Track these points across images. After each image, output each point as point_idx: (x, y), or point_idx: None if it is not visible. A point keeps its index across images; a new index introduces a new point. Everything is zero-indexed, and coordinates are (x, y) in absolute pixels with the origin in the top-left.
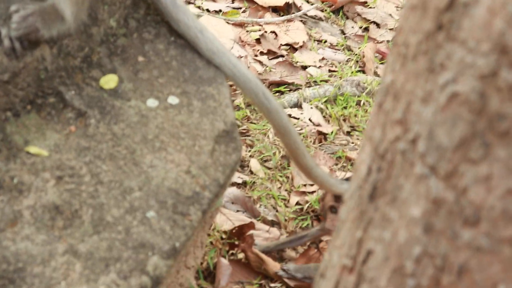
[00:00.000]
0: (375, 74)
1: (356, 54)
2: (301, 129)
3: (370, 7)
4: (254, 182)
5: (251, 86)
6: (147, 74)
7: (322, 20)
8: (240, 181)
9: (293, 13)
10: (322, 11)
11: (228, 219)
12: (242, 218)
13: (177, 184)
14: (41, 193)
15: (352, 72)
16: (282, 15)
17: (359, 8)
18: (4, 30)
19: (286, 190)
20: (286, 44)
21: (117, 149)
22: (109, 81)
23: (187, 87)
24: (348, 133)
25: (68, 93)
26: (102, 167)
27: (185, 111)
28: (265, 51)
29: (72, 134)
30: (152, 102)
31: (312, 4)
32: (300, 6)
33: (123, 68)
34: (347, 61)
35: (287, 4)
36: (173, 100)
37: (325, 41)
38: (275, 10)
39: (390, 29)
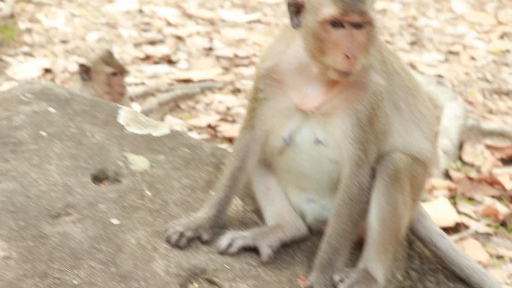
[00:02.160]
0: None
1: None
2: None
3: None
4: None
5: None
6: None
7: (491, 235)
8: None
9: (463, 231)
10: (488, 225)
11: None
12: None
13: None
14: None
15: None
16: (452, 235)
17: None
18: None
19: None
20: None
21: None
22: None
23: None
24: None
25: None
26: None
27: None
28: None
29: None
30: None
31: (477, 221)
32: (468, 224)
33: None
34: None
35: (456, 223)
36: None
37: (504, 257)
38: (445, 229)
39: None
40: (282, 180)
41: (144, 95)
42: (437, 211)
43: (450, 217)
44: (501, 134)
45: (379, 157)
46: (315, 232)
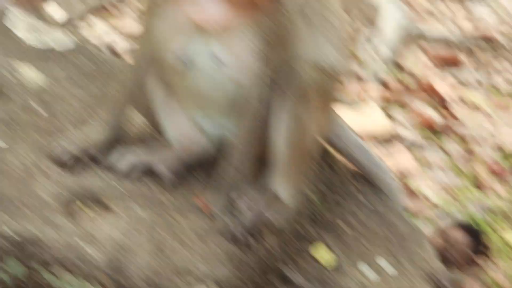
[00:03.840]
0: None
1: (468, 175)
2: None
3: (465, 125)
4: None
5: None
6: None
7: (423, 144)
8: None
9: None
10: (424, 137)
11: None
12: None
13: None
14: None
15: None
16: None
17: (456, 128)
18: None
19: None
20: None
21: None
22: (323, 255)
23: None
24: None
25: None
26: None
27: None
28: None
29: None
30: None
31: (408, 129)
32: (401, 134)
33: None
34: (463, 184)
35: (390, 134)
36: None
37: (433, 165)
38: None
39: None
40: (183, 102)
41: None
42: (368, 118)
43: (382, 126)
44: (441, 40)
45: (284, 72)
46: (220, 152)
